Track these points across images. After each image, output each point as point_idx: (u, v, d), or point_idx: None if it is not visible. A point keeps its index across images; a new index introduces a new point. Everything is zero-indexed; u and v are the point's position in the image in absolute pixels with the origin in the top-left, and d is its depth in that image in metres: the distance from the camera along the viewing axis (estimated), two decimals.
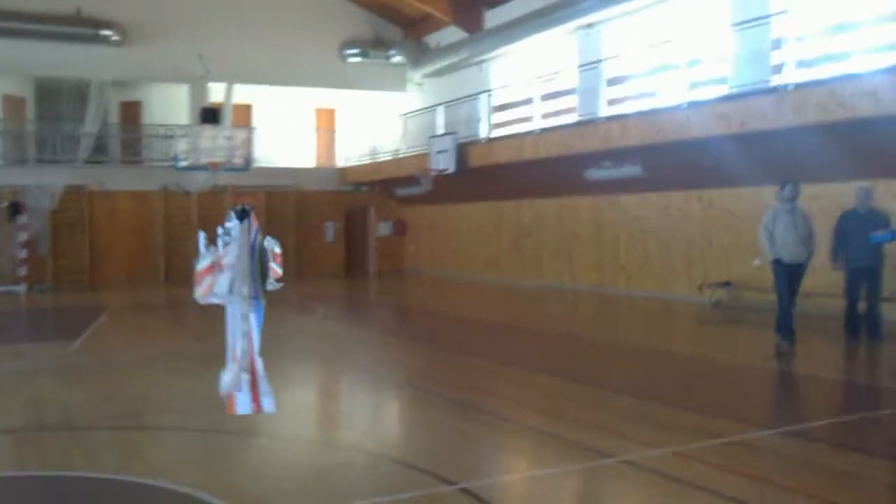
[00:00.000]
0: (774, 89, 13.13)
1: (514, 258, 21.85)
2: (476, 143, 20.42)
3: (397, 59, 26.48)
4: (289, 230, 25.00)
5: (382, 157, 25.65)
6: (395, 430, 7.41)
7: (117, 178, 23.66)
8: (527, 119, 20.80)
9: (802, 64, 13.57)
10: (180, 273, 23.56)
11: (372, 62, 26.56)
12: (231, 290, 5.00)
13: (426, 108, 23.56)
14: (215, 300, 5.07)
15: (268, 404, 5.07)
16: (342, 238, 26.33)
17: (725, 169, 14.80)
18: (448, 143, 20.36)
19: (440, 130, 22.24)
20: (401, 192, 24.74)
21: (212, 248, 5.12)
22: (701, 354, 11.06)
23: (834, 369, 9.85)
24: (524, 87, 21.22)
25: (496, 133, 21.28)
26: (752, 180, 14.83)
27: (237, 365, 4.99)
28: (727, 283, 15.57)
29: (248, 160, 23.48)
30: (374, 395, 8.85)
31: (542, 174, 18.82)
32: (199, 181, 23.41)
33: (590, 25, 19.49)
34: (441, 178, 20.83)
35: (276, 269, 5.29)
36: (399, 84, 27.40)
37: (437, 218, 25.21)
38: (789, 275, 10.58)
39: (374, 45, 26.45)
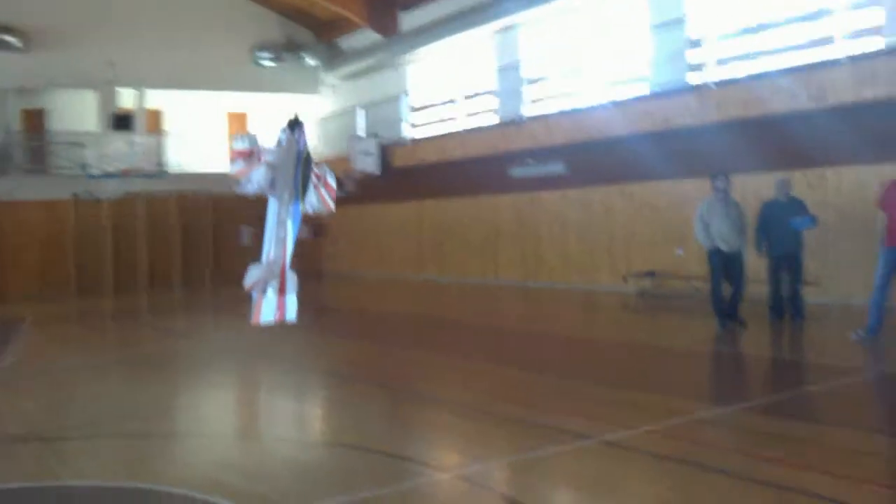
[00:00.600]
0: (697, 87, 13.72)
1: (437, 256, 22.09)
2: (400, 144, 20.56)
3: (310, 61, 26.39)
4: (204, 236, 24.64)
5: None
6: (375, 425, 7.49)
7: (24, 188, 22.82)
8: (448, 119, 21.09)
9: (720, 63, 14.23)
10: (94, 282, 22.97)
11: (284, 65, 26.40)
12: (272, 187, 4.84)
13: (345, 111, 23.52)
14: (252, 189, 4.87)
15: (291, 313, 4.98)
16: (259, 242, 25.93)
17: (647, 164, 15.38)
18: (371, 144, 20.44)
19: (361, 132, 22.27)
20: None
21: (255, 137, 4.95)
22: (640, 340, 11.49)
23: (769, 348, 10.41)
24: (444, 88, 21.50)
25: (417, 133, 21.47)
26: (673, 174, 15.46)
27: (268, 268, 4.91)
28: (651, 273, 16.17)
29: (161, 166, 23.03)
30: (336, 391, 8.91)
31: (466, 173, 19.12)
32: (111, 189, 22.84)
33: (507, 28, 19.89)
34: (364, 180, 20.90)
35: (324, 194, 5.11)
36: (312, 86, 27.31)
37: (357, 219, 25.18)
38: (726, 263, 11.10)
39: (286, 48, 26.30)
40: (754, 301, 12.96)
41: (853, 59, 11.54)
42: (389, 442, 6.52)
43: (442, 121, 21.47)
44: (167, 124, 25.78)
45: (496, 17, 19.66)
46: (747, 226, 11.17)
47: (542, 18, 19.02)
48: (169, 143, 24.49)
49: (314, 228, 26.56)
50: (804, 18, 13.86)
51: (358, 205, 24.56)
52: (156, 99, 25.07)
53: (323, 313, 17.43)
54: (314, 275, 26.18)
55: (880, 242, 9.79)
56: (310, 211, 5.14)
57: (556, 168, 16.93)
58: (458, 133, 18.99)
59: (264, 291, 4.91)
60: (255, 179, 4.76)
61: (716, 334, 10.88)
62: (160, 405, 8.30)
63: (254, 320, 4.94)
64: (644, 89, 16.26)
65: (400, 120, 21.68)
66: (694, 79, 15.15)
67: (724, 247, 11.01)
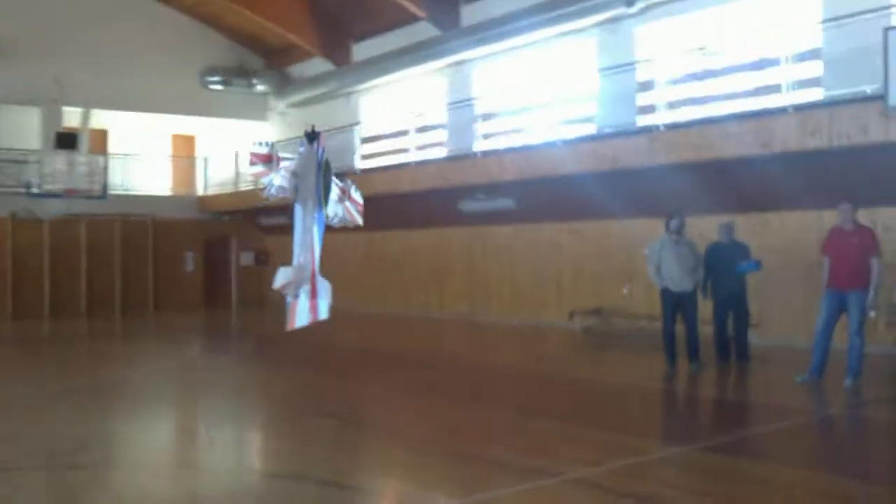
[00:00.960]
0: (647, 130, 14.07)
1: (383, 288, 22.06)
2: (350, 174, 20.56)
3: (260, 87, 26.32)
4: (146, 260, 24.24)
5: (245, 187, 25.31)
6: (325, 457, 7.45)
7: None
8: (399, 151, 21.21)
9: (671, 106, 14.63)
10: (30, 306, 22.37)
11: (234, 90, 26.27)
12: (296, 193, 5.04)
13: (294, 139, 23.40)
14: (275, 193, 5.06)
15: (323, 311, 5.14)
16: (202, 268, 25.70)
17: (597, 203, 15.66)
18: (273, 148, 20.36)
19: None
20: (266, 221, 24.50)
21: (273, 144, 5.23)
22: (590, 376, 11.66)
23: (718, 389, 10.64)
24: (394, 120, 21.64)
25: (367, 164, 21.52)
26: (621, 213, 15.78)
27: (298, 272, 5.07)
28: (597, 310, 16.41)
29: (105, 188, 22.65)
30: (283, 422, 8.85)
31: (416, 206, 19.20)
32: (53, 209, 22.36)
33: (459, 63, 20.16)
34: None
35: (350, 208, 5.33)
36: (260, 113, 27.24)
37: None
38: (677, 303, 11.31)
39: (236, 73, 26.18)
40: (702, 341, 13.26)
41: (798, 109, 11.98)
42: (349, 479, 6.51)
43: (393, 152, 21.57)
44: (111, 145, 25.38)
45: (448, 53, 19.93)
46: (701, 267, 11.39)
47: (493, 56, 19.34)
48: (113, 164, 24.07)
49: (256, 255, 26.37)
50: (750, 67, 14.38)
51: None
52: (101, 119, 24.68)
53: (267, 343, 17.29)
54: (257, 302, 25.94)
55: (824, 286, 10.13)
56: (335, 223, 5.29)
57: (506, 203, 17.13)
58: (409, 165, 19.10)
59: (297, 296, 5.05)
60: (277, 184, 4.96)
61: (664, 373, 11.08)
62: (96, 435, 8.15)
63: (289, 325, 5.10)
64: (592, 129, 16.63)
65: (351, 150, 21.69)
66: (643, 121, 15.55)
67: (673, 287, 11.25)
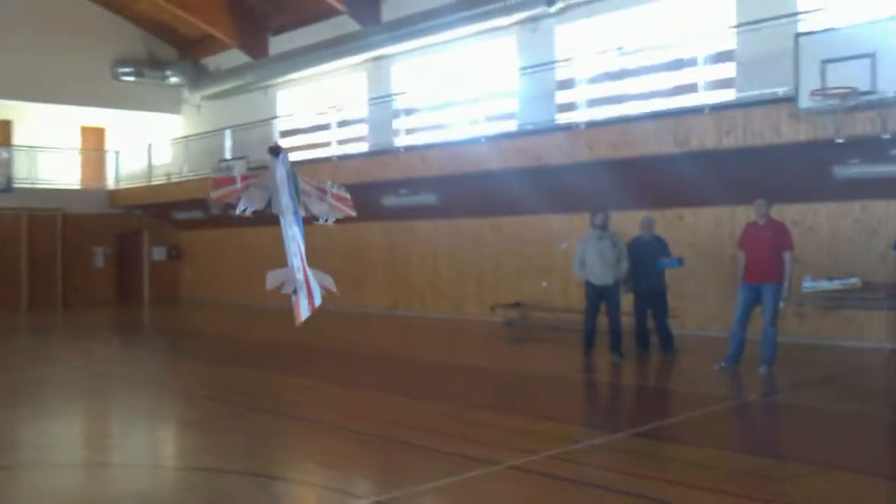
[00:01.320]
0: (569, 127, 14.38)
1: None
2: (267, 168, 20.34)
3: (174, 79, 25.76)
4: (55, 255, 23.50)
5: (158, 181, 24.78)
6: (270, 453, 7.44)
7: None
8: (319, 146, 21.09)
9: (591, 104, 14.99)
10: None
11: (146, 82, 25.65)
12: (272, 206, 5.37)
13: (213, 132, 23.03)
14: (248, 209, 5.34)
15: (317, 299, 5.52)
16: (114, 263, 25.04)
17: (517, 199, 15.93)
18: (240, 167, 20.13)
19: (228, 154, 21.90)
20: (181, 215, 24.03)
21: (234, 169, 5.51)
22: (517, 368, 11.86)
23: (642, 378, 10.98)
24: (314, 114, 21.51)
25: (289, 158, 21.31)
26: (541, 209, 16.10)
27: (291, 274, 5.46)
28: (518, 304, 16.70)
29: (10, 180, 21.88)
30: (211, 417, 8.78)
31: None
32: None
33: (379, 58, 20.18)
34: (232, 203, 20.50)
35: (337, 205, 5.64)
36: (174, 106, 26.69)
37: (217, 243, 24.68)
38: (601, 296, 11.63)
39: (149, 65, 25.57)
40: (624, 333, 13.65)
41: (714, 109, 12.45)
42: (297, 473, 6.54)
43: (313, 146, 21.44)
44: (16, 137, 24.48)
45: (368, 48, 19.92)
46: (625, 261, 11.65)
47: (414, 52, 19.42)
48: (19, 156, 23.26)
49: (169, 250, 25.85)
50: (666, 68, 14.86)
51: (216, 229, 24.09)
52: (4, 110, 23.82)
53: (183, 339, 17.03)
54: (169, 299, 25.45)
55: (739, 279, 10.58)
56: (322, 221, 5.65)
57: (429, 199, 17.26)
58: (331, 160, 19.02)
59: (295, 293, 5.46)
60: (245, 201, 5.26)
61: (586, 364, 11.38)
62: (12, 435, 7.97)
63: (297, 321, 5.48)
64: (513, 126, 16.91)
65: (270, 143, 21.44)
66: (563, 118, 15.89)
67: (595, 281, 11.58)
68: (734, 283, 13.44)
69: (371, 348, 14.44)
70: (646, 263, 11.69)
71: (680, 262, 11.84)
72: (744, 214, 13.60)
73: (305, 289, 5.52)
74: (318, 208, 5.65)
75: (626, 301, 12.98)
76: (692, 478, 5.99)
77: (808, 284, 12.26)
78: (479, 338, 15.65)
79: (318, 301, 5.58)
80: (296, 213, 5.39)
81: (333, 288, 5.93)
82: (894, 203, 12.14)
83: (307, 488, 6.21)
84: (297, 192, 5.37)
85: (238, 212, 5.33)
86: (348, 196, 5.78)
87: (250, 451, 7.26)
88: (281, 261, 5.38)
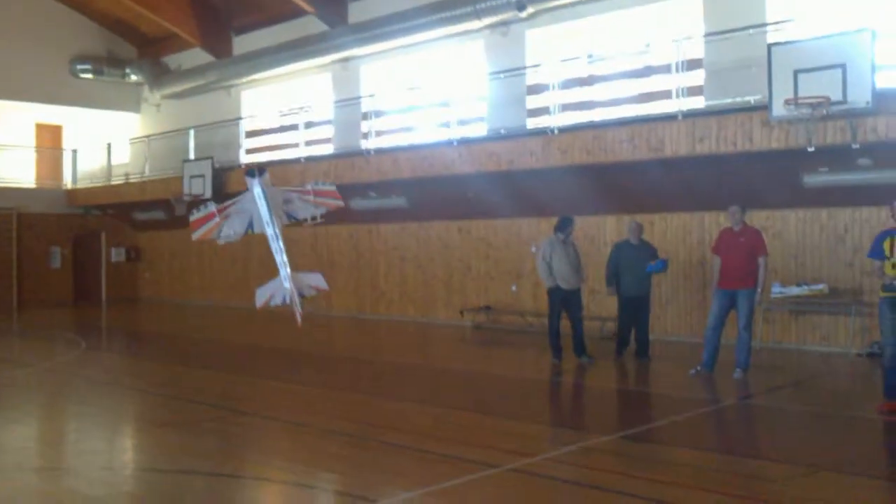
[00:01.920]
0: (542, 132, 14.48)
1: (264, 283, 21.69)
2: (234, 168, 20.17)
3: (134, 77, 25.38)
4: (10, 256, 22.97)
5: (117, 181, 24.37)
6: (258, 455, 7.37)
7: None
8: (284, 147, 20.94)
9: (564, 109, 15.11)
10: None
11: (105, 79, 25.23)
12: (253, 227, 6.04)
13: (176, 131, 22.71)
14: (231, 238, 6.04)
15: (306, 292, 6.39)
16: (70, 264, 24.55)
17: (487, 203, 15.99)
18: (204, 168, 19.92)
19: (192, 154, 21.61)
20: (141, 216, 23.67)
21: (209, 204, 6.17)
22: (493, 371, 11.93)
23: (619, 382, 11.06)
24: (279, 115, 21.35)
25: (252, 159, 21.16)
26: (509, 213, 16.20)
27: (279, 285, 6.26)
28: (487, 308, 16.76)
29: None
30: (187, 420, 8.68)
31: None
32: None
33: (346, 59, 20.11)
34: (194, 202, 20.27)
35: (322, 201, 6.32)
36: (133, 104, 26.30)
37: (177, 243, 24.33)
38: (566, 300, 11.78)
39: (108, 63, 25.16)
40: (590, 336, 13.79)
41: (686, 116, 12.64)
42: (308, 478, 6.50)
43: (278, 147, 21.28)
44: None
45: (335, 49, 19.83)
46: (583, 265, 11.93)
47: (382, 54, 19.40)
48: None
49: (128, 251, 25.45)
50: (636, 74, 15.07)
51: (181, 229, 23.75)
52: None
53: (146, 341, 16.77)
54: (128, 300, 25.05)
55: (715, 284, 10.75)
56: (311, 221, 6.32)
57: (399, 201, 17.24)
58: (298, 161, 18.89)
59: (285, 302, 6.31)
60: (226, 233, 5.98)
61: (558, 366, 11.47)
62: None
63: (300, 321, 6.45)
64: (483, 130, 16.97)
65: (235, 144, 21.23)
66: (533, 123, 16.02)
67: (563, 285, 11.70)
68: (705, 288, 13.81)
69: (342, 352, 14.40)
70: (632, 268, 11.75)
71: (664, 263, 11.84)
72: (712, 221, 13.87)
73: (293, 292, 6.39)
74: (303, 212, 6.28)
75: (599, 305, 13.11)
76: (689, 479, 6.10)
77: (776, 290, 12.51)
78: (449, 341, 15.64)
79: (306, 293, 6.45)
80: (275, 226, 5.96)
81: (324, 285, 6.39)
82: (860, 210, 12.44)
83: (308, 490, 6.17)
84: (276, 208, 5.91)
85: (222, 241, 5.93)
86: (333, 188, 6.43)
87: (234, 453, 7.20)
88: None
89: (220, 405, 9.34)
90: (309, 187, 6.23)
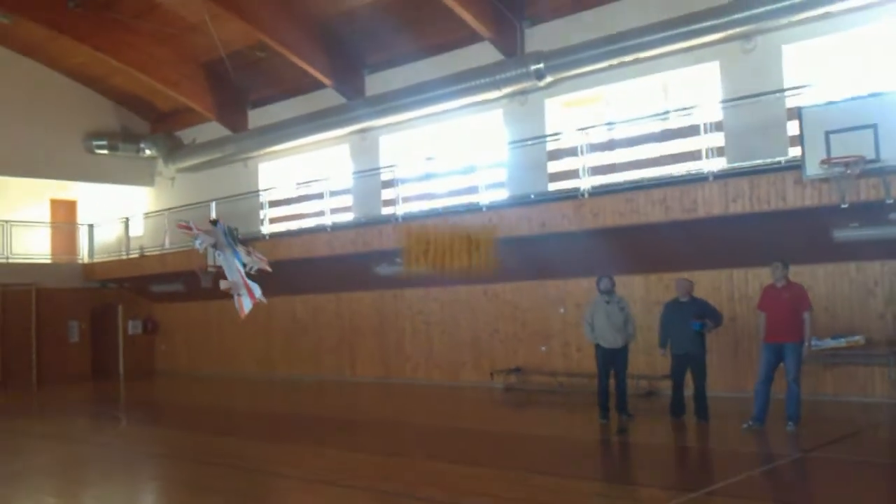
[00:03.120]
0: (573, 195, 14.86)
1: (287, 354, 21.85)
2: (258, 240, 20.38)
3: (149, 152, 25.74)
4: (29, 331, 22.99)
5: (133, 254, 24.57)
6: None
7: None
8: (302, 216, 21.26)
9: (595, 172, 15.55)
10: None
11: (120, 155, 25.59)
12: (217, 247, 7.62)
13: (196, 204, 22.95)
14: (201, 244, 7.55)
15: (257, 294, 7.52)
16: (88, 338, 24.58)
17: (513, 266, 16.28)
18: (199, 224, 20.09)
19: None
20: (159, 288, 23.81)
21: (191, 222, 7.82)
22: (537, 433, 12.01)
23: (678, 439, 11.19)
24: (297, 186, 21.70)
25: (275, 228, 21.40)
26: (534, 275, 16.51)
27: (234, 285, 7.52)
28: (517, 369, 16.94)
29: None
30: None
31: (327, 271, 19.25)
32: None
33: (365, 130, 20.57)
34: (219, 275, 20.42)
35: (259, 256, 7.83)
36: (148, 178, 26.64)
37: (194, 315, 24.46)
38: (610, 358, 12.02)
39: (123, 138, 25.56)
40: (638, 395, 13.93)
41: (717, 177, 13.09)
42: None
43: (296, 217, 21.60)
44: None
45: (353, 121, 20.28)
46: (632, 323, 12.11)
47: (400, 125, 19.88)
48: None
49: (144, 324, 25.53)
50: (656, 139, 15.58)
51: (193, 301, 23.87)
52: None
53: (180, 413, 16.76)
54: (145, 373, 25.03)
55: (762, 339, 11.05)
56: (253, 271, 7.68)
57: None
58: (324, 230, 19.17)
59: (240, 295, 7.46)
60: (203, 238, 7.49)
61: (611, 425, 11.65)
62: None
63: (241, 314, 7.57)
64: (504, 195, 17.37)
65: (256, 214, 21.47)
66: (556, 187, 16.46)
67: (605, 344, 11.97)
68: (737, 344, 14.11)
69: (377, 417, 14.46)
70: (680, 326, 11.70)
71: (701, 325, 11.63)
72: (741, 277, 14.24)
73: (246, 290, 7.58)
74: (248, 259, 7.69)
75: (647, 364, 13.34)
76: None
77: (815, 343, 12.79)
78: (483, 404, 15.78)
79: (258, 295, 7.52)
80: (235, 252, 7.61)
81: (267, 267, 7.81)
82: (889, 263, 12.84)
83: None
84: (234, 241, 7.68)
85: (198, 245, 7.50)
86: (265, 258, 7.90)
87: None
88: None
89: (279, 473, 9.46)
90: (250, 249, 7.85)
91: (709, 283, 14.59)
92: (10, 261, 23.20)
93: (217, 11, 19.47)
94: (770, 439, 10.35)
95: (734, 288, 14.36)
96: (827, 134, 11.45)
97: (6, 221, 23.63)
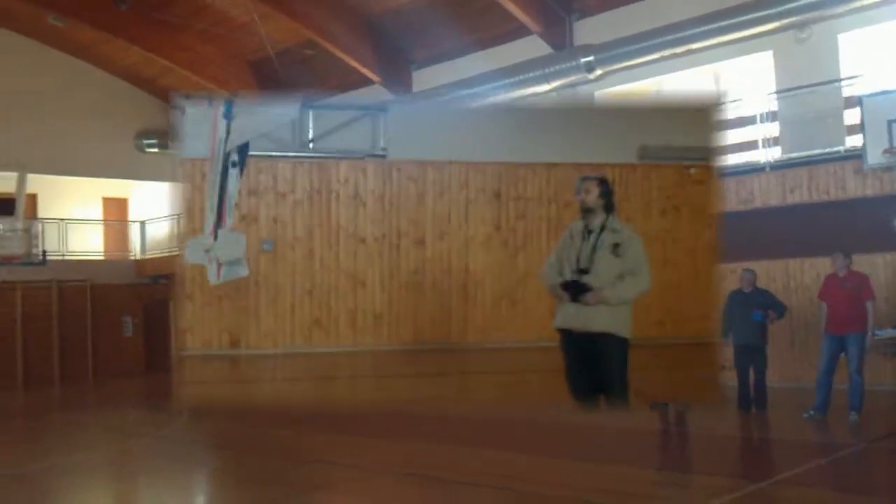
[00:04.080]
0: None
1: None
2: None
3: None
4: (85, 326, 23.48)
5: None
6: None
7: None
8: None
9: None
10: None
11: (169, 153, 25.98)
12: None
13: None
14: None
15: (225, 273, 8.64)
16: (142, 332, 25.04)
17: None
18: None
19: None
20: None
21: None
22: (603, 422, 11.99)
23: (739, 429, 11.14)
24: None
25: None
26: None
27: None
28: None
29: (45, 253, 22.02)
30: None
31: None
32: None
33: None
34: None
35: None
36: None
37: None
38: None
39: (173, 137, 25.93)
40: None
41: (774, 167, 13.06)
42: None
43: None
44: (41, 209, 24.68)
45: None
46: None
47: None
48: (46, 228, 23.40)
49: None
50: None
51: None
52: (29, 184, 24.00)
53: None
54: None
55: (823, 330, 11.00)
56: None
57: None
58: None
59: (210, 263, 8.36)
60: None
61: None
62: None
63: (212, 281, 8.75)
64: None
65: None
66: None
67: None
68: (793, 334, 14.04)
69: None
70: (742, 316, 11.57)
71: (759, 315, 11.51)
72: (796, 267, 14.15)
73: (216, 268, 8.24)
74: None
75: None
76: None
77: (878, 333, 12.68)
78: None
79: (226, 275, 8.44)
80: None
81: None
82: None
83: None
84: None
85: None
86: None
87: None
88: None
89: (353, 465, 9.62)
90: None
91: (763, 274, 14.49)
92: (66, 258, 23.65)
93: (266, 11, 19.75)
94: (833, 430, 10.32)
95: (790, 278, 14.27)
96: (889, 123, 11.37)
97: (61, 220, 24.12)
